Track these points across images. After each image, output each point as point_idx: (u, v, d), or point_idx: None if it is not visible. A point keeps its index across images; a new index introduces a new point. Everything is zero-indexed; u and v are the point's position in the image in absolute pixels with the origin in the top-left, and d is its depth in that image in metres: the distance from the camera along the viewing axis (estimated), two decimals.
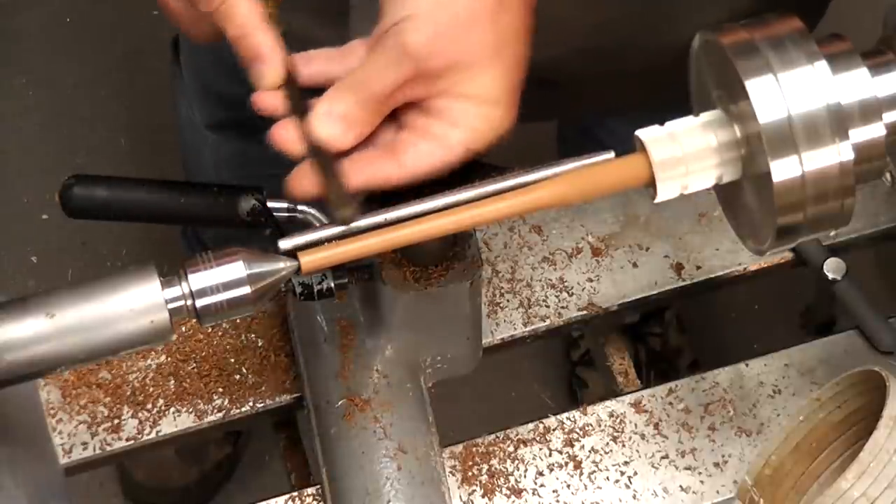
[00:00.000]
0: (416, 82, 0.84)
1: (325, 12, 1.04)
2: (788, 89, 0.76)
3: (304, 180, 0.85)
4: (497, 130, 0.86)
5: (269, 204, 0.97)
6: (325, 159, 0.84)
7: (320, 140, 0.84)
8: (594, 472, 1.13)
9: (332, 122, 0.84)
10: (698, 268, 1.22)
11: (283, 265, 0.78)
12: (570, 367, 2.15)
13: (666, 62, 0.94)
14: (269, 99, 0.87)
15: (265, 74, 0.86)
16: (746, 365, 1.18)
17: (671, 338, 2.08)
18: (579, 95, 1.22)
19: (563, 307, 1.19)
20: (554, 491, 1.12)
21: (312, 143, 0.84)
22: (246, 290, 0.76)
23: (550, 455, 1.13)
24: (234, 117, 1.58)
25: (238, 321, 1.17)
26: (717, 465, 1.13)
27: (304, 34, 0.91)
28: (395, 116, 0.88)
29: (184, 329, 1.17)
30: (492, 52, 0.84)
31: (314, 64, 0.89)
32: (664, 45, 1.02)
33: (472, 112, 0.85)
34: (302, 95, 0.87)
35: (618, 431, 1.14)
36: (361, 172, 0.85)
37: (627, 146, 0.81)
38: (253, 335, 1.17)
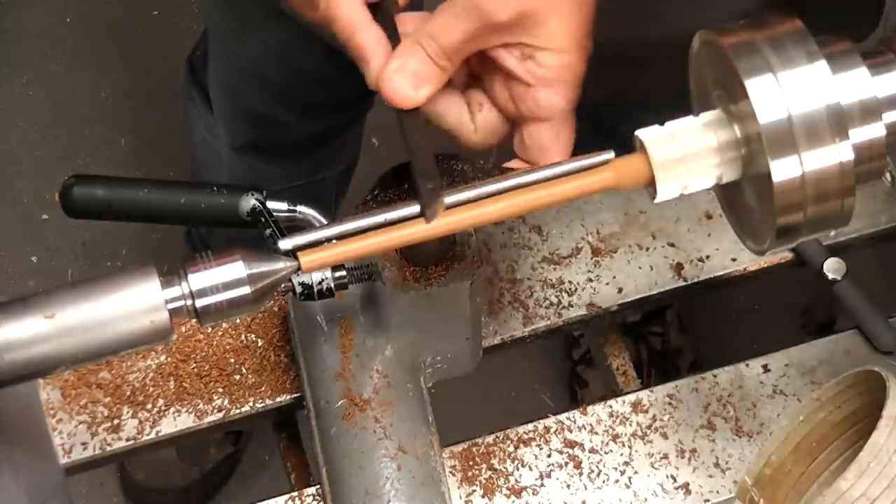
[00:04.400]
0: (484, 35, 0.85)
1: None
2: (788, 89, 0.76)
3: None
4: (574, 78, 0.87)
5: (269, 204, 0.97)
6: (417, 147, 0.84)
7: (392, 98, 0.84)
8: (594, 472, 1.13)
9: (403, 78, 0.85)
10: (698, 268, 1.22)
11: (283, 265, 0.78)
12: (571, 366, 2.15)
13: (683, 50, 0.94)
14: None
15: (369, 74, 0.87)
16: (747, 365, 1.18)
17: (672, 337, 2.08)
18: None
19: (563, 307, 1.19)
20: (554, 491, 1.12)
21: (410, 133, 0.84)
22: (246, 290, 0.76)
23: (550, 455, 1.13)
24: (264, 138, 1.59)
25: (238, 321, 1.17)
26: (717, 465, 1.13)
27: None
28: (475, 75, 0.89)
29: (184, 329, 1.17)
30: (555, 2, 0.85)
31: (408, 24, 0.89)
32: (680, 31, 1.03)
33: (547, 63, 0.86)
34: None
35: (618, 431, 1.14)
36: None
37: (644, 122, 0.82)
38: (253, 335, 1.17)
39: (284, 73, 1.48)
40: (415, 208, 0.79)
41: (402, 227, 0.80)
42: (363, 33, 0.86)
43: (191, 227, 1.91)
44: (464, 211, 0.80)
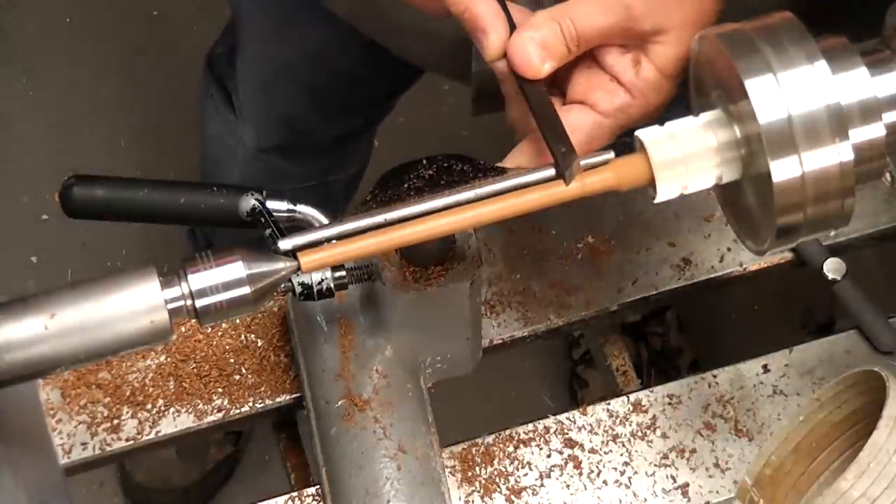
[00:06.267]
0: (617, 34, 0.86)
1: None
2: (788, 89, 0.76)
3: (522, 156, 0.87)
4: (657, 100, 0.88)
5: (269, 204, 0.97)
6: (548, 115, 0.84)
7: (521, 64, 0.85)
8: (594, 472, 1.13)
9: (533, 46, 0.85)
10: (698, 268, 1.22)
11: (283, 265, 0.78)
12: (571, 366, 2.15)
13: None
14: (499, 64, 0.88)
15: (487, 46, 0.87)
16: (749, 366, 1.18)
17: (672, 338, 2.08)
18: None
19: (563, 307, 1.19)
20: (554, 491, 1.12)
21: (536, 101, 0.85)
22: (246, 290, 0.76)
23: (550, 455, 1.13)
24: (291, 140, 1.59)
25: (238, 321, 1.17)
26: (716, 465, 1.13)
27: None
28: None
29: (184, 329, 1.17)
30: (686, 29, 0.86)
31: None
32: None
33: (646, 76, 0.87)
34: None
35: (618, 432, 1.14)
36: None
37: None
38: (253, 335, 1.17)
39: (320, 73, 1.48)
40: (549, 171, 0.80)
41: (402, 226, 0.80)
42: (479, 4, 0.86)
43: (194, 229, 1.91)
44: (462, 211, 0.80)
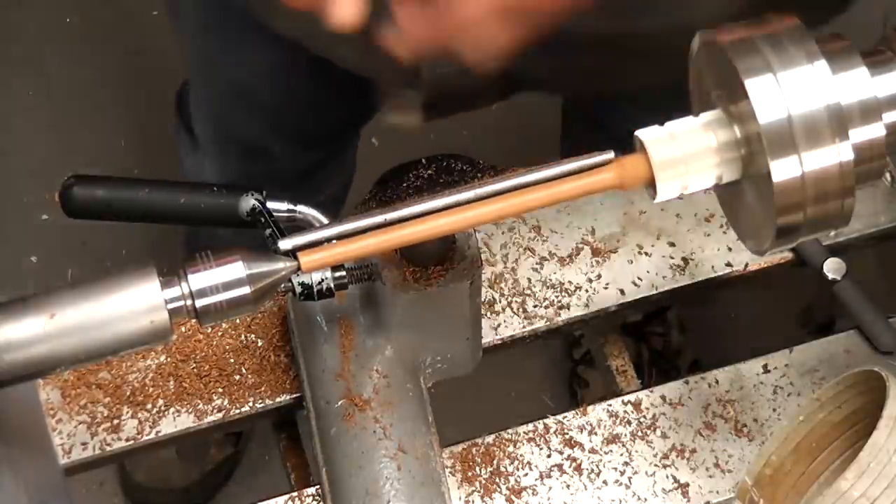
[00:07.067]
0: None
1: None
2: (788, 89, 0.76)
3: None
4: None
5: (269, 204, 0.97)
6: None
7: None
8: (594, 472, 1.13)
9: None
10: (698, 268, 1.22)
11: (283, 265, 0.78)
12: (571, 366, 2.15)
13: (674, 44, 0.94)
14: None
15: (335, 14, 0.84)
16: (749, 366, 1.18)
17: (672, 338, 2.08)
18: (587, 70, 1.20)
19: (563, 307, 1.19)
20: (554, 491, 1.12)
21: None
22: (246, 290, 0.76)
23: (550, 455, 1.13)
24: (253, 171, 1.55)
25: (238, 321, 1.17)
26: (716, 465, 1.13)
27: None
28: None
29: (184, 329, 1.17)
30: None
31: None
32: (671, 25, 1.02)
33: None
34: None
35: (618, 431, 1.14)
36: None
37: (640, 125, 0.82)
38: (253, 335, 1.17)
39: (275, 95, 1.45)
40: (608, 155, 0.79)
41: (402, 226, 0.80)
42: None
43: (191, 237, 1.90)
44: (462, 211, 0.80)
